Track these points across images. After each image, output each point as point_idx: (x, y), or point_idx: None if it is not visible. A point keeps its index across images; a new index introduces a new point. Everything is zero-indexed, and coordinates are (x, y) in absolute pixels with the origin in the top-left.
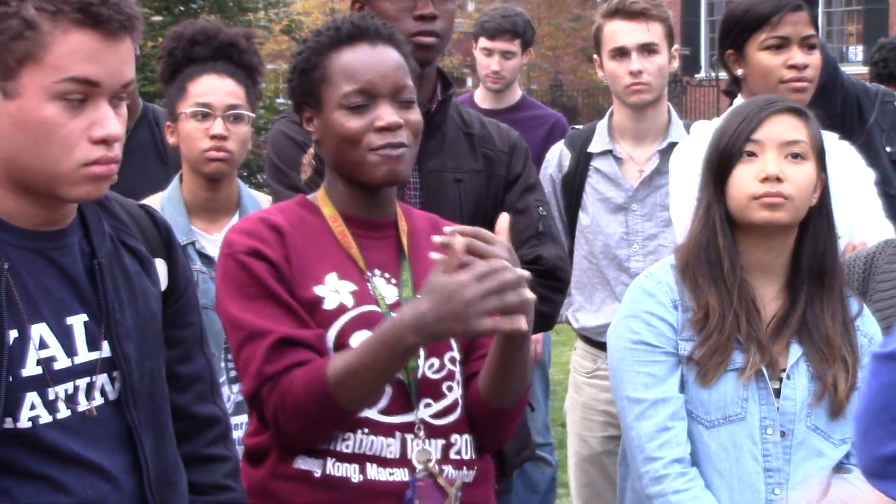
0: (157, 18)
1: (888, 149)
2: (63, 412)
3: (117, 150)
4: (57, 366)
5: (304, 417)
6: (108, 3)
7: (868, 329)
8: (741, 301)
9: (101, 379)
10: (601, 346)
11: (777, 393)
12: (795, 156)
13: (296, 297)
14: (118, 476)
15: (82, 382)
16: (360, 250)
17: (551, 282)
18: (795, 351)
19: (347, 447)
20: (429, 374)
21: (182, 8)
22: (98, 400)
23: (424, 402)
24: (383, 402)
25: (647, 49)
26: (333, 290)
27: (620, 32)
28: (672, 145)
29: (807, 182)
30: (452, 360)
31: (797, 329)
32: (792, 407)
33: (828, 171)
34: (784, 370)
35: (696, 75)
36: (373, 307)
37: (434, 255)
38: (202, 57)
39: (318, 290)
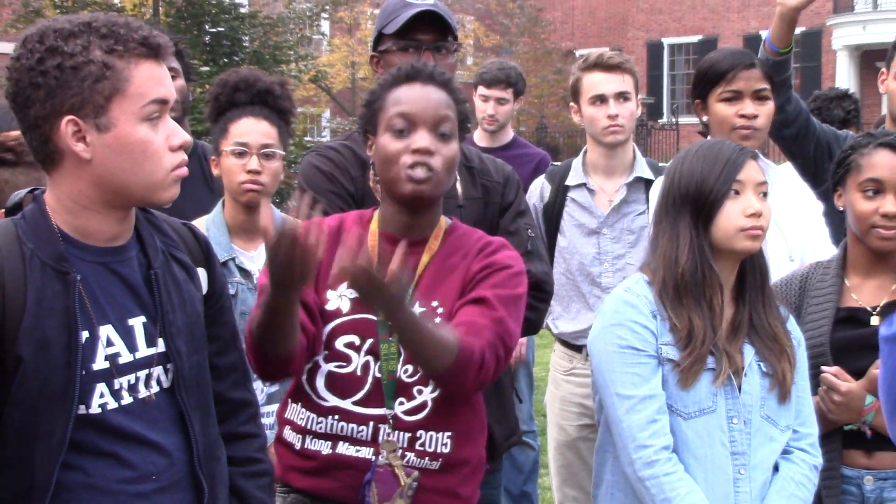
0: (205, 69)
1: None
2: (126, 399)
3: (186, 156)
4: (121, 360)
5: (249, 350)
6: (156, 35)
7: (796, 332)
8: (717, 318)
9: (157, 370)
10: (577, 349)
11: (739, 388)
12: (764, 194)
13: (317, 290)
14: (173, 452)
15: (142, 374)
16: (381, 264)
17: (537, 293)
18: (749, 351)
19: (321, 428)
20: (404, 377)
21: (226, 60)
22: (155, 388)
23: (399, 401)
24: (359, 395)
25: (622, 96)
26: (339, 296)
27: (600, 82)
28: (637, 179)
29: (770, 214)
30: None
31: (747, 333)
32: (750, 399)
33: (779, 201)
34: (742, 368)
35: (659, 120)
36: (368, 315)
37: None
38: (242, 102)
39: (329, 293)
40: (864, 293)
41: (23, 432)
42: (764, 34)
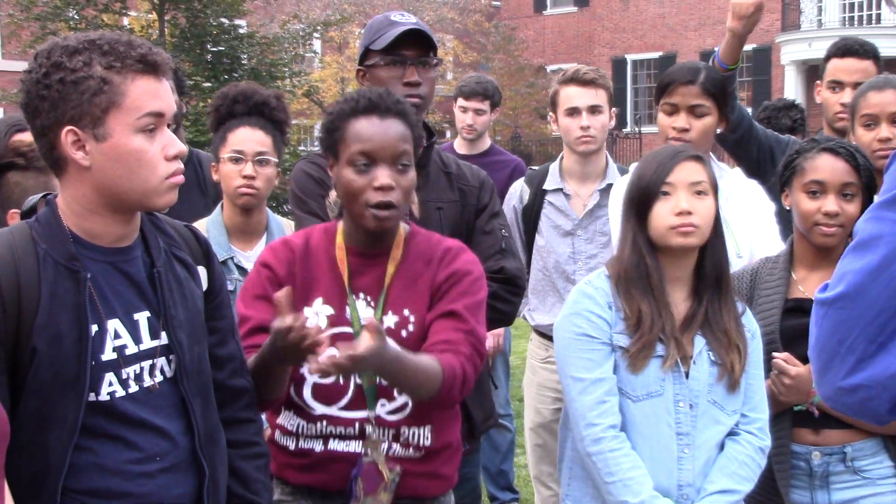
0: (207, 84)
1: None
2: (133, 387)
3: (182, 164)
4: (128, 351)
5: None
6: (155, 52)
7: (752, 326)
8: (664, 307)
9: (161, 361)
10: (551, 339)
11: (686, 375)
12: (699, 192)
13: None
14: (175, 436)
15: (146, 364)
16: (352, 277)
17: (511, 287)
18: (699, 342)
19: (312, 432)
20: (384, 383)
21: (226, 76)
22: (159, 377)
23: (381, 403)
24: (343, 402)
25: (594, 109)
26: (316, 313)
27: (574, 95)
28: (609, 185)
29: (709, 212)
30: None
31: (701, 325)
32: (697, 385)
33: (730, 201)
34: (691, 357)
35: (623, 129)
36: (345, 328)
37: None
38: (240, 113)
39: (306, 310)
40: (810, 285)
41: (38, 418)
42: (719, 50)
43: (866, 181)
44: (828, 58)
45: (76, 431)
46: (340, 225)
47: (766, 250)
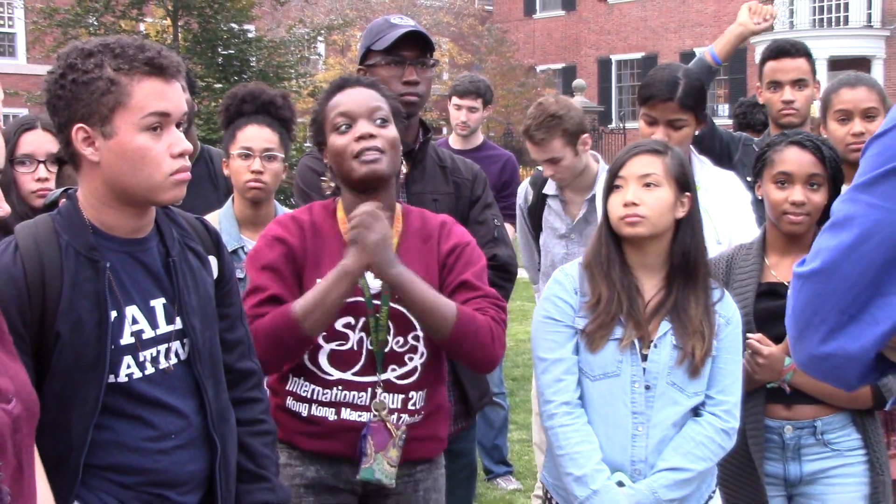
0: (218, 86)
1: (748, 179)
2: (149, 369)
3: (189, 162)
4: (144, 336)
5: (275, 344)
6: (164, 56)
7: (726, 312)
8: (624, 290)
9: (176, 345)
10: None
11: (645, 357)
12: (648, 185)
13: (304, 278)
14: (189, 415)
15: (162, 347)
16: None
17: (503, 273)
18: (664, 327)
19: (326, 398)
20: (395, 347)
21: (236, 78)
22: (173, 360)
23: (391, 368)
24: (357, 367)
25: (552, 161)
26: None
27: (532, 151)
28: (594, 196)
29: (659, 203)
30: (416, 338)
31: (669, 311)
32: (656, 368)
33: (709, 192)
34: (652, 340)
35: (608, 126)
36: (357, 298)
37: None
38: (249, 112)
39: (319, 280)
40: (782, 270)
41: (62, 399)
42: (698, 51)
43: (832, 172)
44: (763, 61)
45: (97, 411)
46: (339, 201)
47: (743, 237)
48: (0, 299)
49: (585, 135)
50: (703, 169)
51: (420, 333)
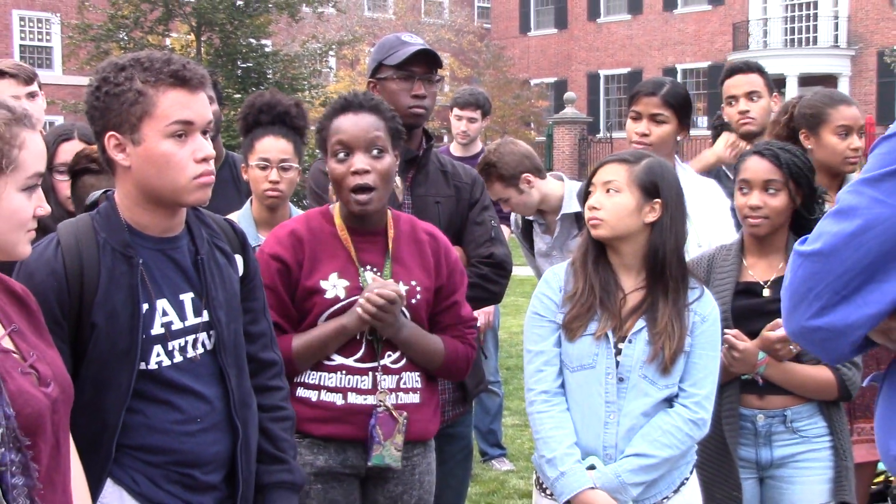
0: (237, 96)
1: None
2: (178, 358)
3: (213, 166)
4: (174, 327)
5: None
6: (188, 68)
7: (703, 310)
8: (601, 283)
9: (202, 336)
10: None
11: (619, 351)
12: (609, 190)
13: (302, 286)
14: (214, 401)
15: (190, 338)
16: (357, 252)
17: (499, 270)
18: (639, 324)
19: (332, 383)
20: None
21: (254, 88)
22: (200, 350)
23: (388, 354)
24: (358, 354)
25: (501, 201)
26: (333, 285)
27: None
28: (564, 215)
29: (617, 208)
30: None
31: (646, 310)
32: (629, 362)
33: (690, 198)
34: (627, 336)
35: (597, 135)
36: (358, 297)
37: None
38: (265, 122)
39: (323, 283)
40: (759, 270)
41: (97, 383)
42: (679, 67)
43: (792, 176)
44: (721, 82)
45: (129, 395)
46: (336, 208)
47: (723, 240)
48: (41, 290)
49: (525, 174)
50: (685, 176)
51: None
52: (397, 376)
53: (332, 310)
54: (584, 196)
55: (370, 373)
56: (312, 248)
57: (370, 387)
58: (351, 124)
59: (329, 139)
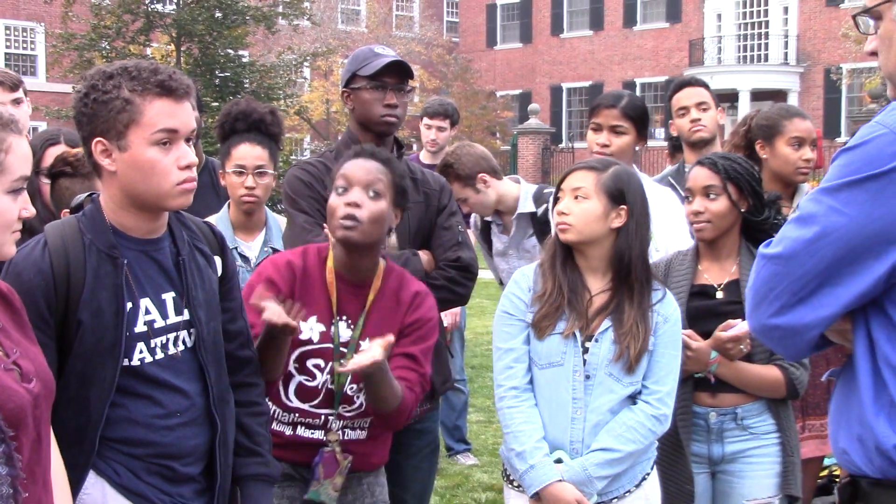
0: (215, 104)
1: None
2: (159, 355)
3: (195, 173)
4: (156, 325)
5: None
6: (174, 78)
7: (666, 311)
8: (568, 284)
9: (183, 334)
10: None
11: (586, 350)
12: (577, 196)
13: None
14: (193, 396)
15: (171, 336)
16: (339, 300)
17: (466, 273)
18: (606, 324)
19: (284, 419)
20: (348, 391)
21: (231, 97)
22: (181, 347)
23: (343, 406)
24: (316, 401)
25: (460, 200)
26: (310, 328)
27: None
28: (520, 215)
29: (585, 213)
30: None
31: (613, 310)
32: (595, 360)
33: (651, 205)
34: (594, 336)
35: (559, 145)
36: (328, 345)
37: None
38: (241, 129)
39: (302, 324)
40: (713, 273)
41: (82, 378)
42: (638, 81)
43: (731, 180)
44: (670, 97)
45: (112, 390)
46: (331, 249)
47: (678, 246)
48: (29, 289)
49: (481, 174)
50: (644, 184)
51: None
52: (350, 422)
53: (303, 350)
54: (553, 202)
55: (322, 416)
56: (302, 286)
57: (320, 425)
58: (357, 165)
59: (335, 179)
